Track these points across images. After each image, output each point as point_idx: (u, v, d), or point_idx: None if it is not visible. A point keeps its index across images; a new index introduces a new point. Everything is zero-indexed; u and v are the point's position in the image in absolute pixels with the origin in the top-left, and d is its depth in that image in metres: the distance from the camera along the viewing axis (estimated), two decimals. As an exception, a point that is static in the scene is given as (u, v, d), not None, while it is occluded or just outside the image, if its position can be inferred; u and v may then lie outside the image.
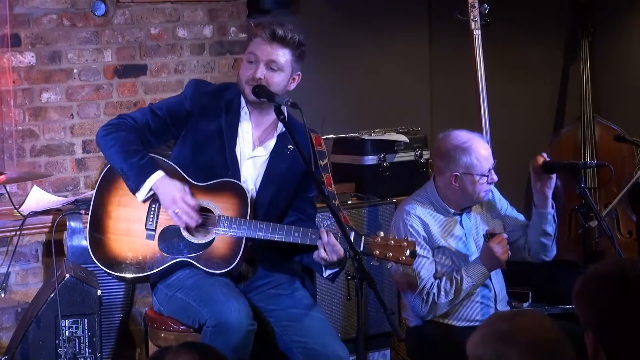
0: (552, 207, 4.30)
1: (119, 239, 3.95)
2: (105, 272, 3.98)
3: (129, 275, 3.94)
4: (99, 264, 3.95)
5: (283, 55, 3.93)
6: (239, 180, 3.95)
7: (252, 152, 4.00)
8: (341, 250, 3.75)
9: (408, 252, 3.76)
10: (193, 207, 3.85)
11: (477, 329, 2.40)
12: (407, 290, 4.29)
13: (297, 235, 3.82)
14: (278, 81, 3.94)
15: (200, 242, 3.90)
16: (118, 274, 3.95)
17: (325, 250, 3.75)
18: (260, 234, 3.84)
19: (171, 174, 3.93)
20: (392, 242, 3.78)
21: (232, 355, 3.70)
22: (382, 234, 3.81)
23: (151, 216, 3.94)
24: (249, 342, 3.76)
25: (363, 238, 3.78)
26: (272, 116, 3.98)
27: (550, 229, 4.31)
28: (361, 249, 3.74)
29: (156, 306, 4.04)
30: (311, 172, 3.83)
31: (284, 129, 3.93)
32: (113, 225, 3.96)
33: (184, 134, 4.01)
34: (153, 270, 3.91)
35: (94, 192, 4.04)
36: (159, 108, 4.02)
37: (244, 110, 4.00)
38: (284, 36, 3.92)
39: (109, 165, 4.00)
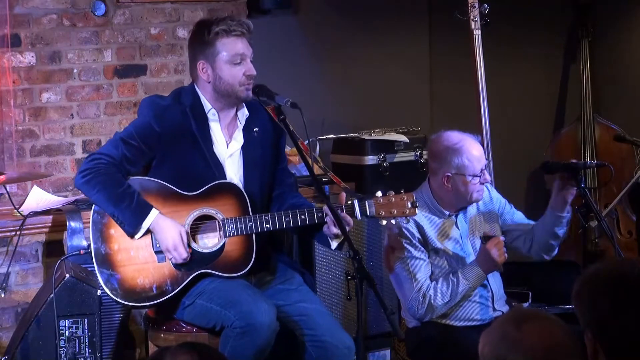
0: (568, 212, 4.28)
1: (131, 270, 3.90)
2: (130, 306, 3.97)
3: (153, 302, 3.91)
4: (120, 301, 3.91)
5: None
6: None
7: (228, 150, 4.01)
8: (351, 220, 3.86)
9: (409, 204, 3.90)
10: (185, 258, 3.86)
11: (489, 328, 2.40)
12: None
13: (304, 218, 3.88)
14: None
15: (212, 250, 3.91)
16: (142, 304, 3.93)
17: (335, 225, 3.80)
18: (268, 226, 3.87)
19: (163, 193, 3.92)
20: (393, 198, 3.90)
21: (254, 356, 3.74)
22: (380, 193, 3.91)
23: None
24: (272, 343, 3.79)
25: (367, 203, 3.87)
26: (233, 109, 4.03)
27: (562, 232, 4.30)
28: (369, 214, 3.87)
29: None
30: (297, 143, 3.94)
31: (247, 115, 4.01)
32: (121, 259, 3.90)
33: (159, 156, 3.96)
34: (175, 290, 3.90)
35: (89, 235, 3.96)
36: (130, 137, 3.93)
37: (212, 112, 4.00)
38: (250, 27, 3.99)
39: (93, 206, 3.93)
